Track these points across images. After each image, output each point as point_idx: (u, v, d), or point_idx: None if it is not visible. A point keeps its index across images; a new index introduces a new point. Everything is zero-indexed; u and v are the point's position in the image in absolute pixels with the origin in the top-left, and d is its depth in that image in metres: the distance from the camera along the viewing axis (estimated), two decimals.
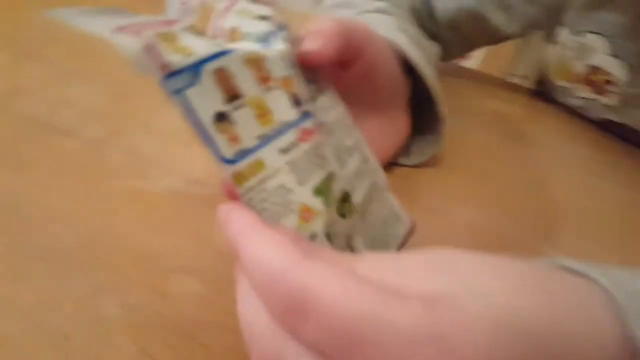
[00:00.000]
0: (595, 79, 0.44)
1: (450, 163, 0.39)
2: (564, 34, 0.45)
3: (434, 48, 0.44)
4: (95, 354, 0.22)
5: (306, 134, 0.21)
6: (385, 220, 0.26)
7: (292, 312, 0.15)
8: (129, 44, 0.16)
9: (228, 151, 0.18)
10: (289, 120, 0.20)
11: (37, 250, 0.26)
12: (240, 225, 0.18)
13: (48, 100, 0.38)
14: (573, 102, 0.48)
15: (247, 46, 0.20)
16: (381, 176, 0.26)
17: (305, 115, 0.21)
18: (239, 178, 0.19)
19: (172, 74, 0.17)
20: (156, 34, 0.17)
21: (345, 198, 0.23)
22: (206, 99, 0.18)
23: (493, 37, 0.52)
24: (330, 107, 0.23)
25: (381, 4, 0.43)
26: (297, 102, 0.21)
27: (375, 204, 0.25)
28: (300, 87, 0.21)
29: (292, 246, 0.17)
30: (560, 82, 0.48)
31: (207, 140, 0.18)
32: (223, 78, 0.18)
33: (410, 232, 0.27)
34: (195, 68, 0.17)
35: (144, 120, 0.38)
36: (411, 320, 0.14)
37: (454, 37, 0.54)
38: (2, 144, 0.33)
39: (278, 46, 0.20)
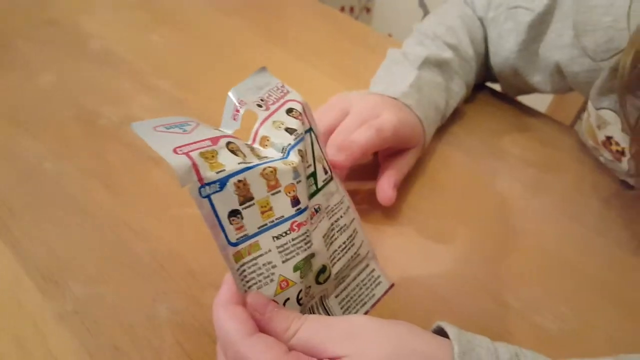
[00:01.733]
0: (611, 148, 0.47)
1: (436, 200, 0.45)
2: (589, 104, 0.48)
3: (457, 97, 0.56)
4: (146, 340, 0.33)
5: (297, 226, 0.28)
6: (363, 284, 0.33)
7: None
8: (181, 164, 0.24)
9: (234, 237, 0.26)
10: (285, 215, 0.27)
11: (123, 260, 0.38)
12: (219, 299, 0.27)
13: None
14: (601, 159, 0.51)
15: (269, 158, 0.27)
16: (365, 247, 0.33)
17: (299, 211, 0.28)
18: (237, 256, 0.26)
19: (206, 184, 0.25)
20: (200, 153, 0.25)
21: (323, 270, 0.30)
22: (226, 201, 0.25)
23: (535, 90, 0.57)
24: (335, 192, 0.31)
25: (448, 55, 0.53)
26: (295, 202, 0.27)
27: (355, 271, 0.33)
28: (301, 191, 0.28)
29: (245, 322, 0.26)
30: (589, 142, 0.51)
31: (219, 229, 0.25)
32: (241, 186, 0.26)
33: (388, 291, 0.34)
34: (222, 181, 0.25)
35: None
36: None
37: (504, 82, 0.59)
38: (109, 170, 0.45)
39: (293, 159, 0.28)
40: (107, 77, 0.57)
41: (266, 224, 0.27)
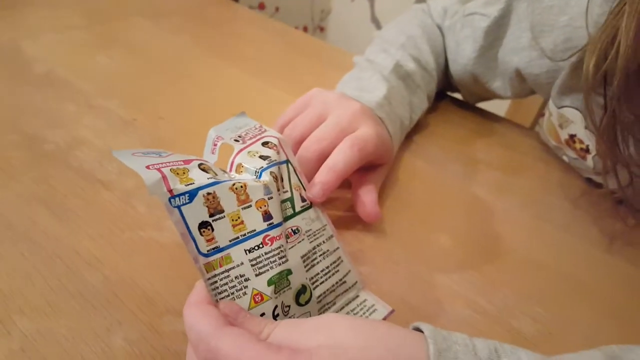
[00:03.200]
0: (575, 147, 0.47)
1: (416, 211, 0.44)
2: (550, 104, 0.48)
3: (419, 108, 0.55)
4: None
5: (270, 240, 0.28)
6: (354, 312, 0.33)
7: None
8: (151, 176, 0.25)
9: (204, 248, 0.26)
10: (257, 229, 0.28)
11: (73, 290, 0.35)
12: (191, 299, 0.26)
13: (97, 152, 0.47)
14: (564, 159, 0.51)
15: (241, 177, 0.29)
16: (353, 277, 0.34)
17: (271, 226, 0.29)
18: (208, 267, 0.27)
19: (174, 196, 0.26)
20: (170, 169, 0.26)
21: (303, 290, 0.30)
22: (195, 213, 0.26)
23: (496, 95, 0.57)
24: (316, 219, 0.33)
25: (411, 67, 0.53)
26: (266, 217, 0.28)
27: (343, 299, 0.33)
28: (273, 207, 0.29)
29: (217, 317, 0.25)
30: (551, 142, 0.52)
31: (189, 238, 0.26)
32: (211, 199, 0.27)
33: (387, 318, 0.33)
34: (192, 193, 0.26)
35: None
36: None
37: (464, 90, 0.59)
38: (55, 195, 0.42)
39: (264, 178, 0.30)
40: (52, 101, 0.54)
41: (238, 237, 0.27)
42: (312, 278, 0.31)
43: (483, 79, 0.56)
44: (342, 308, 0.33)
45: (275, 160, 0.31)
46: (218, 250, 0.27)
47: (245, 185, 0.28)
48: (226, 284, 0.27)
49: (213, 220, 0.27)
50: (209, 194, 0.27)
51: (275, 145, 0.32)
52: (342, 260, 0.33)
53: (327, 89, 0.47)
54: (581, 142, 0.46)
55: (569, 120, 0.46)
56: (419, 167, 0.52)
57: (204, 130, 0.52)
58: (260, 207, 0.28)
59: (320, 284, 0.31)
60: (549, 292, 0.39)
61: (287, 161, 0.33)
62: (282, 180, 0.31)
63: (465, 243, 0.43)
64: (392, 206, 0.46)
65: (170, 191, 0.26)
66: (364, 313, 0.33)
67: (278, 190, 0.30)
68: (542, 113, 0.53)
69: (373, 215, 0.40)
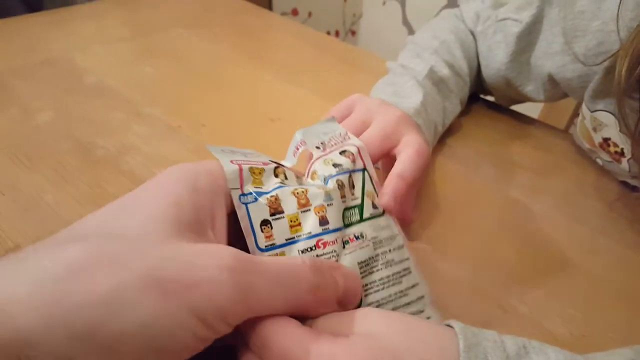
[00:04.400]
0: (609, 150, 0.47)
1: (437, 212, 0.45)
2: (584, 107, 0.48)
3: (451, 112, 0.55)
4: None
5: (323, 244, 0.30)
6: None
7: None
8: (231, 169, 0.29)
9: (262, 243, 0.28)
10: (313, 232, 0.29)
11: None
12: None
13: (146, 157, 0.50)
14: (598, 162, 0.51)
15: (312, 184, 0.32)
16: (419, 291, 0.33)
17: (326, 231, 0.30)
18: None
19: (244, 194, 0.29)
20: (249, 168, 0.29)
21: None
22: (259, 211, 0.29)
23: (529, 99, 0.58)
24: (385, 227, 0.33)
25: (445, 73, 0.53)
26: (323, 222, 0.30)
27: (403, 310, 0.32)
28: (332, 213, 0.30)
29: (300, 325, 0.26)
30: (584, 145, 0.52)
31: (251, 233, 0.28)
32: (273, 201, 0.29)
33: None
34: (256, 195, 0.29)
35: None
36: (327, 347, 0.24)
37: (497, 93, 0.60)
38: (109, 198, 0.45)
39: (329, 186, 0.31)
40: (102, 109, 0.57)
41: (293, 237, 0.29)
42: (366, 285, 0.31)
43: (516, 83, 0.57)
44: None
45: (348, 168, 0.32)
46: (274, 247, 0.28)
47: (306, 191, 0.30)
48: None
49: (273, 219, 0.29)
50: (272, 196, 0.29)
51: (352, 154, 0.33)
52: (409, 272, 0.33)
53: (358, 92, 0.49)
54: (615, 145, 0.46)
55: (603, 123, 0.47)
56: (452, 170, 0.53)
57: (243, 136, 0.54)
58: (319, 212, 0.30)
59: (375, 292, 0.31)
60: (582, 294, 0.40)
61: (364, 170, 0.34)
62: (353, 187, 0.32)
63: (499, 244, 0.44)
64: (425, 208, 0.47)
65: (242, 188, 0.29)
66: None
67: (344, 197, 0.31)
68: (576, 114, 0.54)
69: (408, 220, 0.40)
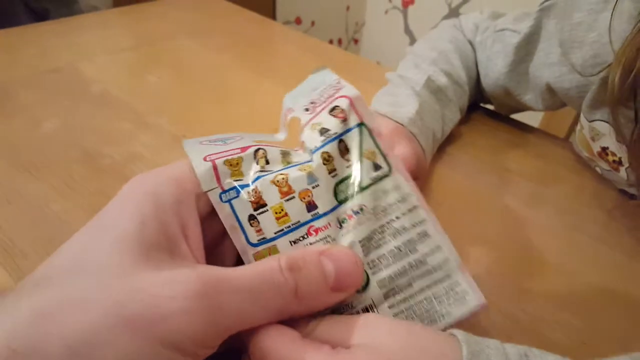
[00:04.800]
0: (607, 159, 0.48)
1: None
2: (582, 117, 0.49)
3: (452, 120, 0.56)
4: None
5: (315, 231, 0.27)
6: (436, 297, 0.29)
7: None
8: (204, 168, 0.27)
9: (254, 238, 0.27)
10: (301, 220, 0.27)
11: None
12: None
13: (152, 166, 0.51)
14: (597, 170, 0.52)
15: (295, 163, 0.28)
16: (443, 254, 0.29)
17: (316, 217, 0.27)
18: (258, 257, 0.27)
19: (225, 191, 0.27)
20: (224, 161, 0.27)
21: None
22: (243, 206, 0.27)
23: (528, 108, 0.58)
24: (392, 190, 0.29)
25: (443, 82, 0.54)
26: (310, 207, 0.27)
27: (425, 280, 0.28)
28: (319, 195, 0.27)
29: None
30: (583, 154, 0.52)
31: (240, 230, 0.27)
32: (254, 194, 0.27)
33: (476, 312, 0.29)
34: (237, 189, 0.27)
35: None
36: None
37: (496, 102, 0.61)
38: None
39: (313, 162, 0.28)
40: (108, 119, 0.58)
41: (282, 229, 0.27)
42: (372, 262, 0.28)
43: (515, 92, 0.58)
44: (422, 290, 0.28)
45: (336, 132, 0.28)
46: (266, 241, 0.27)
47: (286, 177, 0.27)
48: None
49: (258, 214, 0.27)
50: (252, 190, 0.27)
51: (343, 110, 0.29)
52: (427, 236, 0.29)
53: None
54: (614, 154, 0.47)
55: (600, 133, 0.47)
56: (452, 178, 0.53)
57: None
58: (304, 198, 0.27)
59: (386, 266, 0.28)
60: (582, 301, 0.40)
61: (361, 125, 0.29)
62: (346, 152, 0.28)
63: (499, 253, 0.44)
64: None
65: (222, 187, 0.27)
66: (448, 300, 0.28)
67: (333, 171, 0.28)
68: (576, 122, 0.54)
69: None
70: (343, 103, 0.29)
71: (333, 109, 0.29)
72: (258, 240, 0.27)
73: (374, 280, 0.28)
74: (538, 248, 0.45)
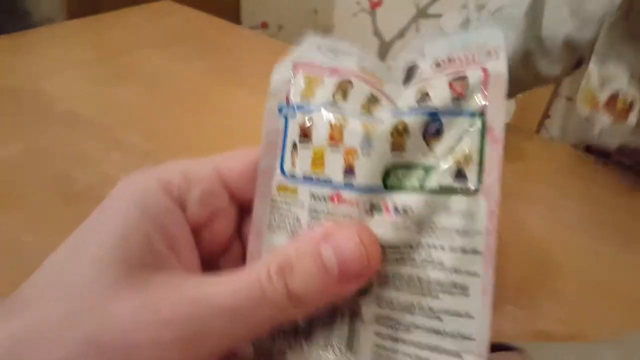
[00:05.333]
0: (616, 107, 0.49)
1: None
2: (591, 66, 0.50)
3: None
4: None
5: (338, 198, 0.22)
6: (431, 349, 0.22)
7: None
8: (282, 76, 0.24)
9: (286, 167, 0.24)
10: (332, 179, 0.22)
11: None
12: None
13: None
14: (596, 131, 0.53)
15: (352, 115, 0.23)
16: (469, 328, 0.21)
17: (348, 186, 0.22)
18: (280, 187, 0.24)
19: (287, 105, 0.24)
20: (305, 75, 0.24)
21: None
22: (294, 129, 0.23)
23: (541, 79, 0.60)
24: (462, 214, 0.21)
25: None
26: (347, 171, 0.22)
27: (424, 336, 0.22)
28: (364, 165, 0.22)
29: None
30: (585, 111, 0.53)
31: (280, 152, 0.24)
32: (305, 122, 0.23)
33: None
34: (297, 109, 0.24)
35: None
36: None
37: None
38: None
39: (383, 126, 0.22)
40: (76, 139, 0.55)
41: (311, 177, 0.23)
42: (385, 274, 0.22)
43: (531, 60, 0.59)
44: (419, 346, 0.22)
45: (435, 108, 0.21)
46: (293, 178, 0.23)
47: (343, 124, 0.22)
48: (287, 216, 0.23)
49: (300, 145, 0.23)
50: (309, 117, 0.23)
51: (466, 85, 0.21)
52: (466, 294, 0.21)
53: None
54: (624, 100, 0.48)
55: (612, 75, 0.48)
56: None
57: None
58: (348, 157, 0.22)
59: (396, 290, 0.22)
60: (578, 295, 0.40)
61: (480, 115, 0.21)
62: (437, 136, 0.22)
63: None
64: None
65: (288, 99, 0.24)
66: None
67: (399, 148, 0.22)
68: (547, 116, 0.55)
69: None
70: (474, 76, 0.21)
71: (459, 78, 0.22)
72: (288, 173, 0.23)
73: (375, 292, 0.22)
74: (526, 243, 0.45)
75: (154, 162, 0.52)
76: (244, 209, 0.26)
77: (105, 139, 0.55)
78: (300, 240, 0.22)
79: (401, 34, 1.52)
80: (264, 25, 1.58)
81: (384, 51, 1.56)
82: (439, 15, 1.44)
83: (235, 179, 0.25)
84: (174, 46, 0.81)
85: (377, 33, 1.57)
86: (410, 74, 0.24)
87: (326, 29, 1.69)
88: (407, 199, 0.21)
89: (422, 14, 1.47)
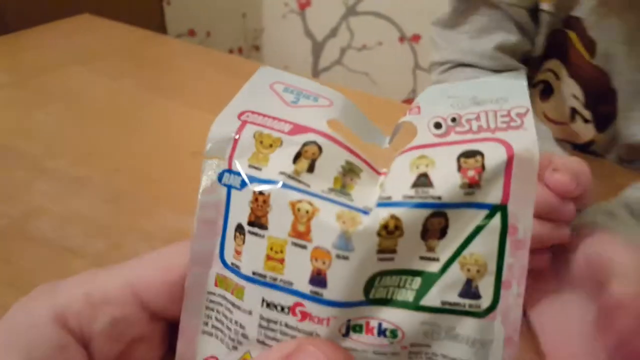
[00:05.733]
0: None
1: None
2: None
3: None
4: None
5: (302, 314, 0.17)
6: None
7: None
8: (223, 128, 0.18)
9: (229, 257, 0.18)
10: (294, 285, 0.17)
11: None
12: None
13: (58, 218, 0.45)
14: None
15: (323, 198, 0.17)
16: None
17: (316, 298, 0.16)
18: (220, 281, 0.18)
19: (230, 171, 0.18)
20: (255, 132, 0.18)
21: None
22: (240, 206, 0.18)
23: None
24: (466, 341, 0.16)
25: None
26: (316, 280, 0.16)
27: None
28: (339, 274, 0.16)
29: None
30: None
31: (220, 234, 0.18)
32: (260, 201, 0.17)
33: None
34: (244, 181, 0.18)
35: (143, 228, 0.44)
36: None
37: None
38: (20, 273, 0.40)
39: (367, 221, 0.16)
40: None
41: (264, 276, 0.17)
42: None
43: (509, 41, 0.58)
44: None
45: (441, 198, 0.16)
46: (236, 272, 0.18)
47: (313, 213, 0.16)
48: (223, 318, 0.18)
49: (249, 231, 0.17)
50: (261, 193, 0.17)
51: (482, 168, 0.16)
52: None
53: None
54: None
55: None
56: None
57: (165, 175, 0.50)
58: (316, 260, 0.16)
59: None
60: None
61: (502, 208, 0.16)
62: (438, 236, 0.16)
63: None
64: None
65: (230, 163, 0.18)
66: None
67: (388, 252, 0.16)
68: None
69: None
70: (492, 153, 0.16)
71: (470, 154, 0.16)
72: (231, 264, 0.18)
73: None
74: None
75: (86, 189, 0.49)
76: (175, 323, 0.19)
77: (29, 167, 0.51)
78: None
79: (333, 33, 1.52)
80: (192, 33, 1.54)
81: (317, 51, 1.56)
82: (369, 13, 1.46)
83: (155, 298, 0.19)
84: (97, 62, 0.77)
85: (308, 33, 1.57)
86: (396, 131, 0.19)
87: (256, 33, 1.67)
88: (397, 317, 0.16)
89: (351, 11, 1.48)
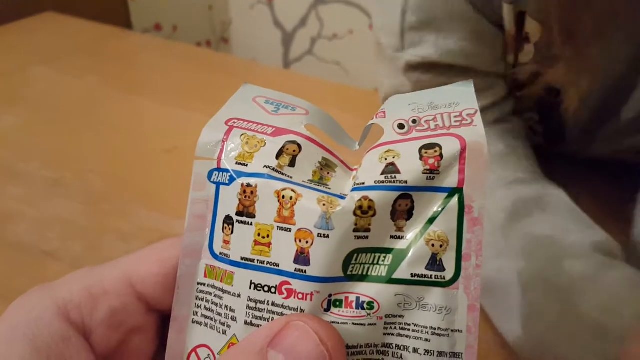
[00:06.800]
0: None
1: None
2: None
3: None
4: None
5: (287, 291, 0.18)
6: None
7: None
8: (212, 134, 0.20)
9: (218, 247, 0.20)
10: (280, 266, 0.18)
11: None
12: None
13: (34, 221, 0.45)
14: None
15: (304, 186, 0.19)
16: None
17: (302, 275, 0.18)
18: (210, 272, 0.20)
19: (219, 169, 0.20)
20: (242, 135, 0.20)
21: None
22: (229, 200, 0.19)
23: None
24: (435, 310, 0.18)
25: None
26: (300, 259, 0.18)
27: None
28: (321, 252, 0.18)
29: None
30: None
31: (210, 228, 0.20)
32: (248, 193, 0.19)
33: None
34: (233, 176, 0.19)
35: (120, 229, 0.44)
36: None
37: None
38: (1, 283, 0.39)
39: (344, 204, 0.18)
40: None
41: (253, 260, 0.19)
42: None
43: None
44: None
45: (406, 182, 0.18)
46: (226, 260, 0.19)
47: (296, 199, 0.19)
48: (213, 306, 0.20)
49: (237, 221, 0.19)
50: (248, 185, 0.19)
51: (440, 156, 0.19)
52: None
53: None
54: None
55: None
56: None
57: (138, 173, 0.50)
58: (300, 241, 0.18)
59: None
60: None
61: (458, 191, 0.19)
62: (406, 217, 0.19)
63: None
64: None
65: (220, 161, 0.20)
66: None
67: (365, 231, 0.18)
68: None
69: None
70: (450, 145, 0.19)
71: (429, 146, 0.19)
72: (220, 253, 0.19)
73: None
74: None
75: (60, 191, 0.49)
76: (169, 316, 0.21)
77: (0, 172, 0.51)
78: (239, 347, 0.18)
79: (303, 23, 1.52)
80: (158, 27, 1.51)
81: (287, 42, 1.55)
82: (338, 1, 1.45)
83: (150, 289, 0.20)
84: (63, 60, 0.76)
85: (277, 24, 1.56)
86: (366, 133, 0.22)
87: (224, 25, 1.65)
88: (373, 290, 0.18)
89: (319, 1, 1.47)
